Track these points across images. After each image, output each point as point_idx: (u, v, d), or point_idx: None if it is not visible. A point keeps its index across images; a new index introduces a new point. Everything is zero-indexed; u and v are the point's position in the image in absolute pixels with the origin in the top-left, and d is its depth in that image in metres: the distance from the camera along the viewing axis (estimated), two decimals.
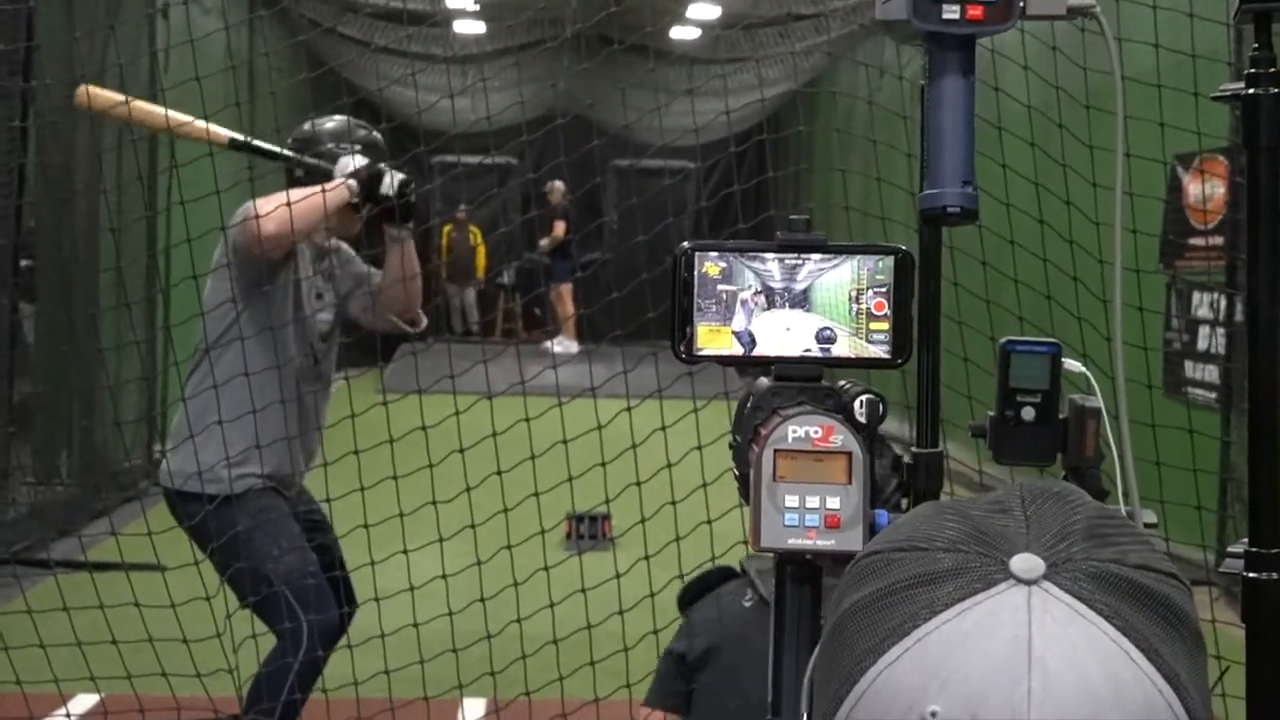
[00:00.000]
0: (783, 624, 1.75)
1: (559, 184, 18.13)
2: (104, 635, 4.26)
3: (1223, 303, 8.11)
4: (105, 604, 4.34)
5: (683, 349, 1.80)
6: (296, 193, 4.42)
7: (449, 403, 4.72)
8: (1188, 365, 8.45)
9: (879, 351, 1.79)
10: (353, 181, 4.55)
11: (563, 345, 17.22)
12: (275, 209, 4.35)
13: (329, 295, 4.83)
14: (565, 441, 4.48)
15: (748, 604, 3.07)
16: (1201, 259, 8.31)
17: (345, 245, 4.97)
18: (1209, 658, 0.94)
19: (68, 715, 4.71)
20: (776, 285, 1.79)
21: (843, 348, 1.79)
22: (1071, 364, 2.12)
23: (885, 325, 1.78)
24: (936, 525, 0.95)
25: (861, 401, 1.74)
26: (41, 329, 8.57)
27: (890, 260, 1.78)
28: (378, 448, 4.58)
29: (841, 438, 1.68)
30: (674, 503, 4.18)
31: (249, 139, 4.66)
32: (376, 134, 4.88)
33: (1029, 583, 0.88)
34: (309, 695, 4.48)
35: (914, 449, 1.99)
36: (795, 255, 1.78)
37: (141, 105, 4.71)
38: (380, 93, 14.10)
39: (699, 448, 4.25)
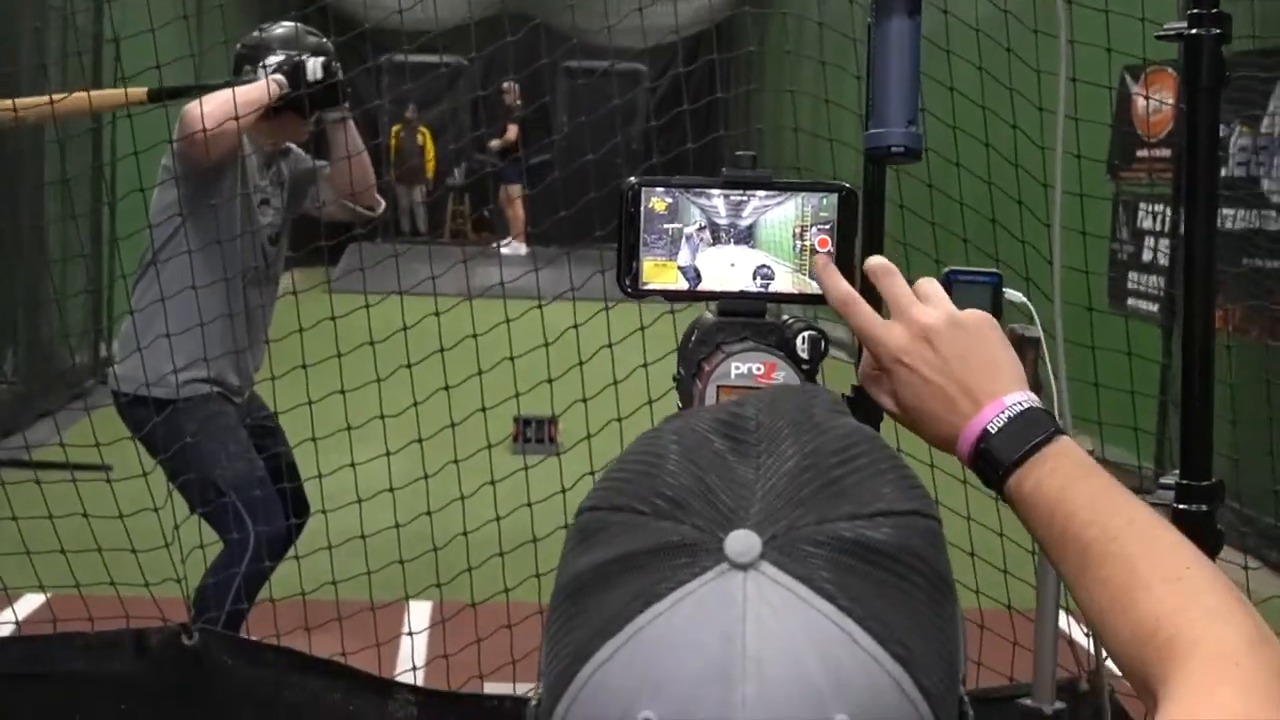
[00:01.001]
0: None
1: (514, 84, 18.02)
2: (50, 537, 4.27)
3: (1167, 214, 8.16)
4: (52, 506, 4.34)
5: (628, 283, 1.82)
6: (225, 94, 4.40)
7: (397, 305, 4.71)
8: (1131, 276, 8.52)
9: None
10: (278, 75, 4.55)
11: (511, 248, 17.22)
12: (210, 109, 4.34)
13: (276, 200, 4.82)
14: (512, 351, 4.50)
15: None
16: (1147, 171, 8.36)
17: (295, 147, 4.96)
18: (955, 600, 0.89)
19: (16, 619, 4.73)
20: (722, 221, 1.81)
21: (786, 283, 1.81)
22: (1013, 294, 2.15)
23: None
24: (662, 468, 0.88)
25: (804, 338, 1.76)
26: None
27: (834, 198, 1.80)
28: (326, 353, 4.58)
29: (783, 374, 1.71)
30: (620, 420, 4.19)
31: (168, 86, 4.63)
32: (325, 40, 4.86)
33: (744, 567, 0.81)
34: (253, 603, 4.53)
35: (854, 384, 2.02)
36: (741, 192, 1.80)
37: (30, 102, 4.67)
38: None
39: (645, 366, 4.27)
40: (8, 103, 4.62)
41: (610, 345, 4.33)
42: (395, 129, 20.20)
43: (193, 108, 4.38)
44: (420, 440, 4.44)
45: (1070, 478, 1.25)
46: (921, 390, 1.35)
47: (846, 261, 1.80)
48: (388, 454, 4.44)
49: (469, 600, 4.45)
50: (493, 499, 4.45)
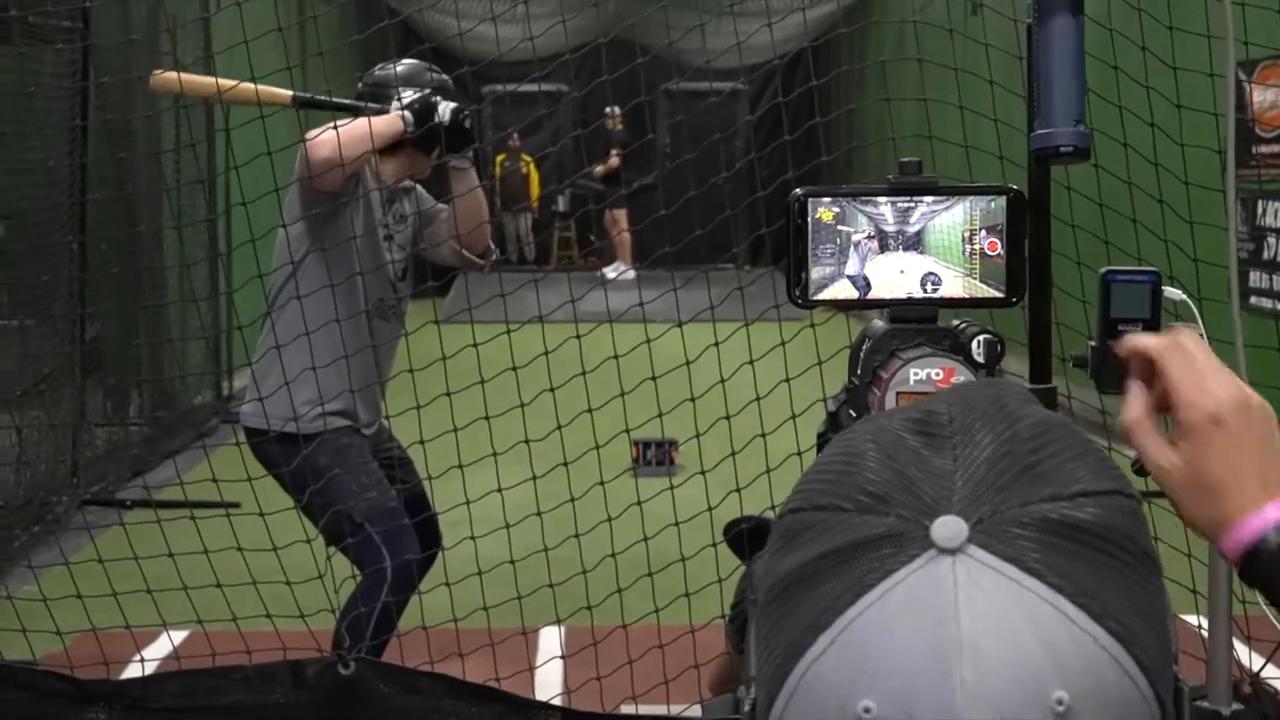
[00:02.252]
0: None
1: (616, 110, 18.09)
2: (178, 576, 4.36)
3: None
4: (185, 543, 4.43)
5: (798, 293, 1.83)
6: (358, 123, 4.44)
7: (506, 335, 4.72)
8: (1252, 275, 8.40)
9: (994, 291, 1.81)
10: (405, 111, 4.59)
11: (617, 270, 17.28)
12: (325, 135, 4.38)
13: (400, 236, 4.86)
14: (618, 363, 4.49)
15: None
16: (1267, 167, 8.24)
17: (419, 186, 4.99)
18: (1162, 577, 0.89)
19: (175, 653, 4.81)
20: (890, 228, 1.81)
21: (957, 288, 1.81)
22: (1172, 292, 2.13)
23: (999, 264, 1.80)
24: (859, 468, 0.88)
25: (979, 342, 1.76)
26: (107, 280, 8.68)
27: (1002, 200, 1.80)
28: (439, 387, 4.62)
29: (962, 379, 1.71)
30: (728, 417, 4.18)
31: (311, 95, 4.68)
32: (446, 77, 4.90)
33: (952, 552, 0.81)
34: (393, 634, 4.57)
35: (1027, 384, 2.02)
36: (908, 198, 1.81)
37: (200, 81, 4.74)
38: (421, 16, 14.12)
39: (750, 362, 4.26)
40: (210, 81, 4.69)
41: (717, 344, 4.32)
42: (499, 158, 20.35)
43: (320, 136, 4.40)
44: (566, 464, 4.45)
45: None
46: (1226, 459, 1.25)
47: (1018, 262, 1.81)
48: (534, 478, 4.46)
49: (620, 622, 4.46)
50: (640, 520, 4.46)
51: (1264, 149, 8.24)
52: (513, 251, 20.52)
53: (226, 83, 4.54)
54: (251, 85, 4.57)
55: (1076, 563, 0.82)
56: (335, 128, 4.38)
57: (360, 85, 4.89)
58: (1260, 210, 8.35)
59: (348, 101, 4.68)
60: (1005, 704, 0.78)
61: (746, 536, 3.60)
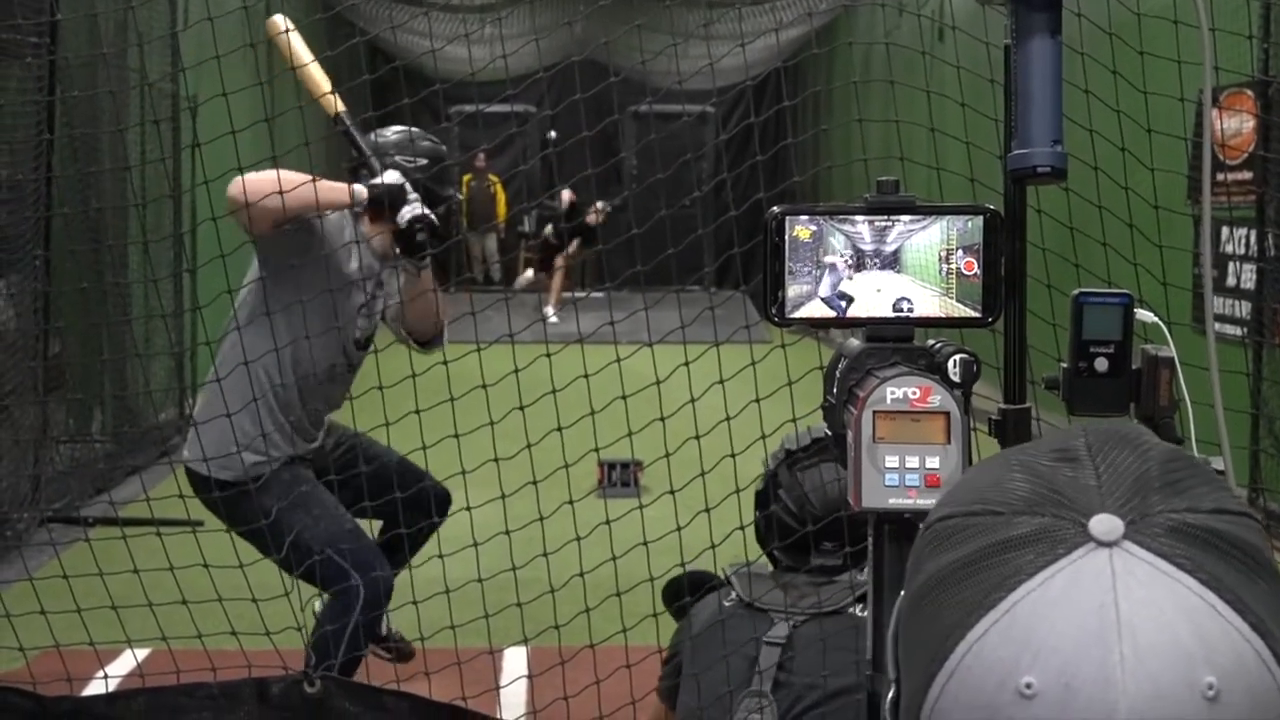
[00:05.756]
0: (881, 582, 1.77)
1: (600, 204, 18.07)
2: (142, 593, 4.33)
3: (1252, 238, 8.10)
4: (139, 562, 4.40)
5: (774, 311, 1.83)
6: (288, 174, 4.37)
7: (471, 357, 4.70)
8: (1216, 301, 8.45)
9: (970, 311, 1.81)
10: (360, 188, 4.52)
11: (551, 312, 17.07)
12: (267, 176, 4.35)
13: (376, 304, 4.81)
14: (589, 384, 4.49)
15: (728, 604, 3.15)
16: (1230, 194, 8.30)
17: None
18: None
19: (140, 670, 4.78)
20: (867, 247, 1.82)
21: (933, 307, 1.81)
22: (1144, 314, 2.14)
23: (976, 284, 1.80)
24: (1006, 483, 0.94)
25: (955, 361, 1.76)
26: (71, 294, 8.64)
27: (979, 220, 1.80)
28: (410, 408, 4.60)
29: (939, 398, 1.71)
30: (697, 437, 4.17)
31: (350, 124, 4.63)
32: (440, 146, 4.87)
33: (1109, 544, 0.88)
34: (364, 652, 4.55)
35: (1001, 406, 2.02)
36: (885, 217, 1.81)
37: (296, 49, 4.70)
38: (389, 36, 14.10)
39: (720, 382, 4.26)
40: (299, 53, 4.70)
41: (687, 364, 4.32)
42: (466, 178, 20.36)
43: (262, 175, 4.37)
44: (535, 483, 4.43)
45: None
46: None
47: (995, 283, 1.81)
48: (502, 497, 4.44)
49: (587, 642, 4.45)
50: (608, 541, 4.45)
51: (1228, 176, 8.30)
52: (479, 272, 20.49)
53: (306, 58, 4.63)
54: (322, 82, 4.59)
55: (1219, 563, 0.89)
56: (277, 172, 4.35)
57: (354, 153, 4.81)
58: (1225, 236, 8.41)
59: (367, 151, 4.63)
60: (1161, 683, 0.84)
61: (686, 582, 3.63)
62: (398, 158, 4.65)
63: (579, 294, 16.66)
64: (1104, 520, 0.89)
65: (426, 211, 4.55)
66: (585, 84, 4.67)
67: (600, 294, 16.40)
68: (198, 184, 4.61)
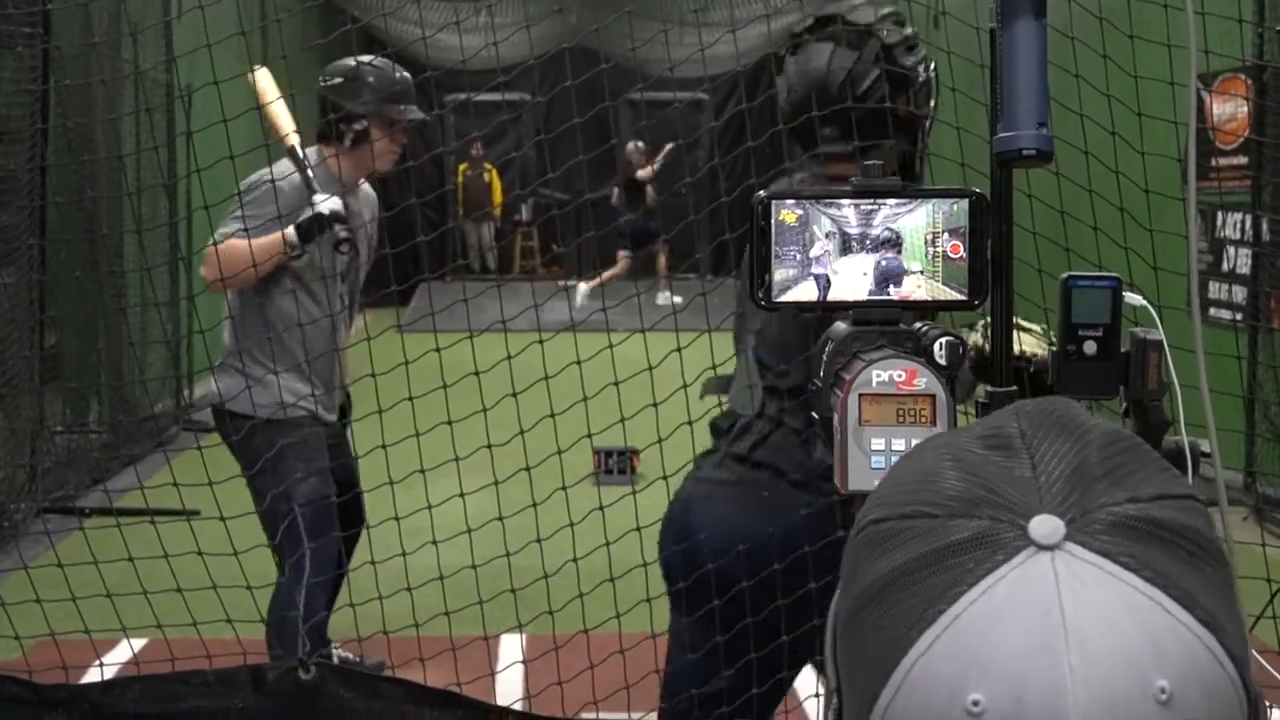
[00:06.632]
0: None
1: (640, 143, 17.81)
2: (138, 582, 4.36)
3: (1247, 223, 8.11)
4: (135, 551, 4.43)
5: (762, 295, 1.83)
6: (241, 246, 4.60)
7: (469, 344, 4.73)
8: (1211, 286, 8.46)
9: (956, 293, 1.82)
10: (290, 231, 4.67)
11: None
12: (209, 257, 4.63)
13: (359, 235, 4.96)
14: (581, 373, 4.51)
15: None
16: (1225, 179, 8.31)
17: (374, 198, 5.16)
18: (1236, 580, 0.93)
19: (135, 658, 4.79)
20: (853, 231, 1.82)
21: (921, 290, 1.81)
22: (1133, 297, 2.15)
23: (962, 267, 1.81)
24: (939, 480, 0.91)
25: (942, 344, 1.76)
26: (67, 284, 8.65)
27: (965, 203, 1.80)
28: (403, 395, 4.62)
29: (925, 380, 1.71)
30: (689, 423, 4.17)
31: (303, 156, 4.78)
32: (409, 77, 4.99)
33: (1051, 548, 0.85)
34: (325, 615, 4.67)
35: (988, 388, 2.02)
36: (871, 201, 1.81)
37: (274, 107, 4.86)
38: (384, 23, 14.09)
39: (713, 368, 4.26)
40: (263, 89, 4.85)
41: (679, 349, 4.32)
42: (462, 167, 20.34)
43: (210, 254, 4.62)
44: (529, 469, 4.45)
45: None
46: None
47: (980, 267, 1.81)
48: (495, 483, 4.45)
49: (581, 627, 4.46)
50: (601, 527, 4.46)
51: (1223, 161, 8.30)
52: (474, 260, 20.48)
53: (271, 94, 4.80)
54: (278, 111, 4.73)
55: (1164, 556, 0.86)
56: (215, 244, 4.63)
57: (323, 81, 4.94)
58: (1220, 222, 8.42)
59: (308, 169, 4.75)
60: (1113, 689, 0.82)
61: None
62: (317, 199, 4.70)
63: (564, 283, 16.60)
64: (1044, 522, 0.86)
65: (350, 235, 4.75)
66: (578, 71, 4.68)
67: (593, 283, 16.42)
68: (192, 172, 4.65)
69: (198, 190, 4.55)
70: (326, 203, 4.66)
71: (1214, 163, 8.36)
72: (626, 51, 11.30)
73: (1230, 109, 8.30)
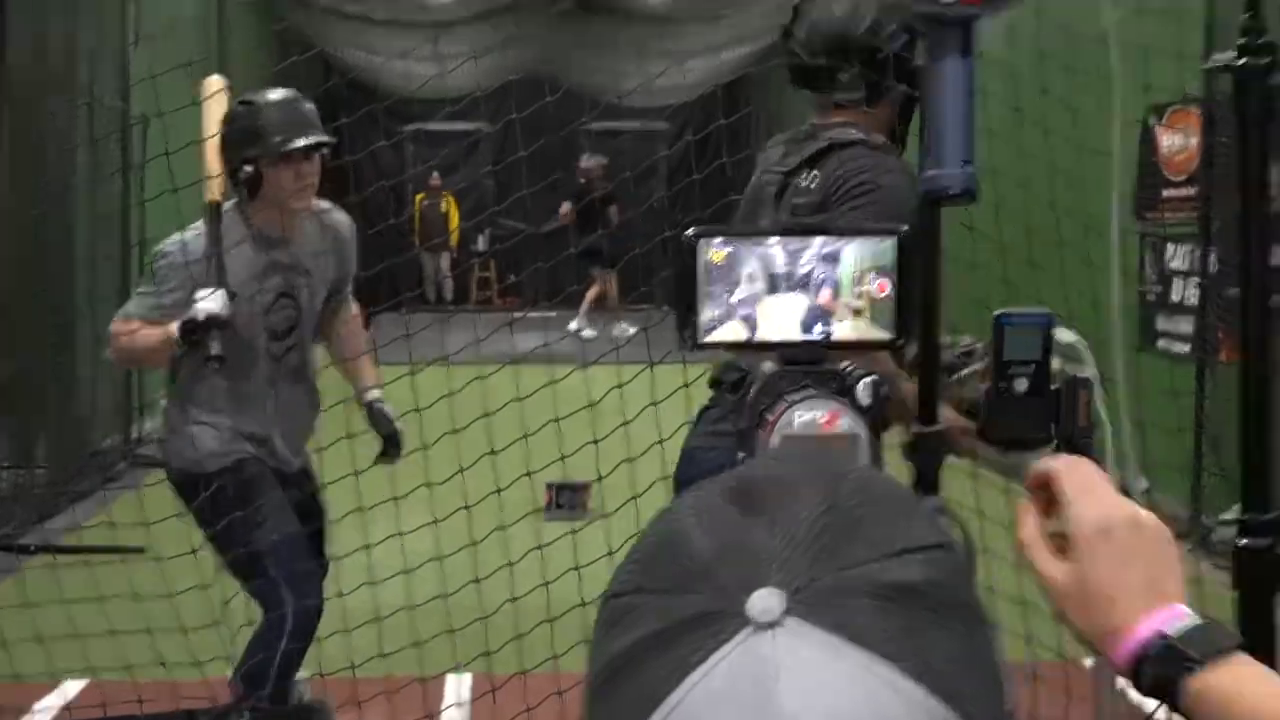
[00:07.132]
0: None
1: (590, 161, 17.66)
2: (95, 621, 4.29)
3: (1195, 254, 8.13)
4: (90, 590, 4.36)
5: (687, 336, 1.81)
6: (139, 334, 4.48)
7: (415, 377, 4.66)
8: (1159, 318, 8.48)
9: (882, 333, 1.80)
10: (173, 327, 4.40)
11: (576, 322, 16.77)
12: (113, 342, 4.54)
13: (300, 293, 4.68)
14: (521, 416, 4.48)
15: None
16: (1174, 210, 8.33)
17: (340, 223, 4.85)
18: (989, 626, 0.88)
19: (67, 703, 4.72)
20: (780, 270, 1.80)
21: (846, 330, 1.79)
22: (1064, 333, 2.13)
23: (889, 306, 1.78)
24: (678, 541, 0.87)
25: (865, 384, 1.75)
26: (14, 317, 8.57)
27: (892, 242, 1.78)
28: (341, 433, 4.55)
29: (847, 422, 1.69)
30: (630, 460, 4.15)
31: (218, 218, 4.50)
32: (312, 106, 4.68)
33: (768, 625, 0.80)
34: (292, 680, 4.51)
35: (914, 429, 2.00)
36: (799, 239, 1.79)
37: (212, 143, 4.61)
38: (340, 53, 14.05)
39: (654, 403, 4.24)
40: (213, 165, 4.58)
41: (620, 386, 4.31)
42: (419, 197, 20.29)
43: (112, 332, 4.53)
44: (468, 508, 4.41)
45: (1259, 679, 1.17)
46: (1113, 570, 1.24)
47: (909, 305, 1.79)
48: (435, 522, 4.41)
49: (519, 669, 4.41)
50: (540, 567, 4.43)
51: (1171, 193, 8.33)
52: (429, 290, 20.40)
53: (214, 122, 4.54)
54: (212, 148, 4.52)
55: (901, 625, 0.81)
56: (117, 321, 4.52)
57: (240, 107, 4.69)
58: (1169, 253, 8.44)
59: (214, 248, 4.48)
60: None
61: None
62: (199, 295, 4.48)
63: (518, 314, 16.49)
64: (763, 597, 0.80)
65: (218, 353, 4.41)
66: (540, 100, 4.66)
67: (552, 313, 16.38)
68: (147, 200, 4.56)
69: (152, 219, 4.47)
70: (205, 302, 4.36)
71: (1163, 194, 8.39)
72: (586, 83, 11.32)
73: (1180, 141, 8.33)
